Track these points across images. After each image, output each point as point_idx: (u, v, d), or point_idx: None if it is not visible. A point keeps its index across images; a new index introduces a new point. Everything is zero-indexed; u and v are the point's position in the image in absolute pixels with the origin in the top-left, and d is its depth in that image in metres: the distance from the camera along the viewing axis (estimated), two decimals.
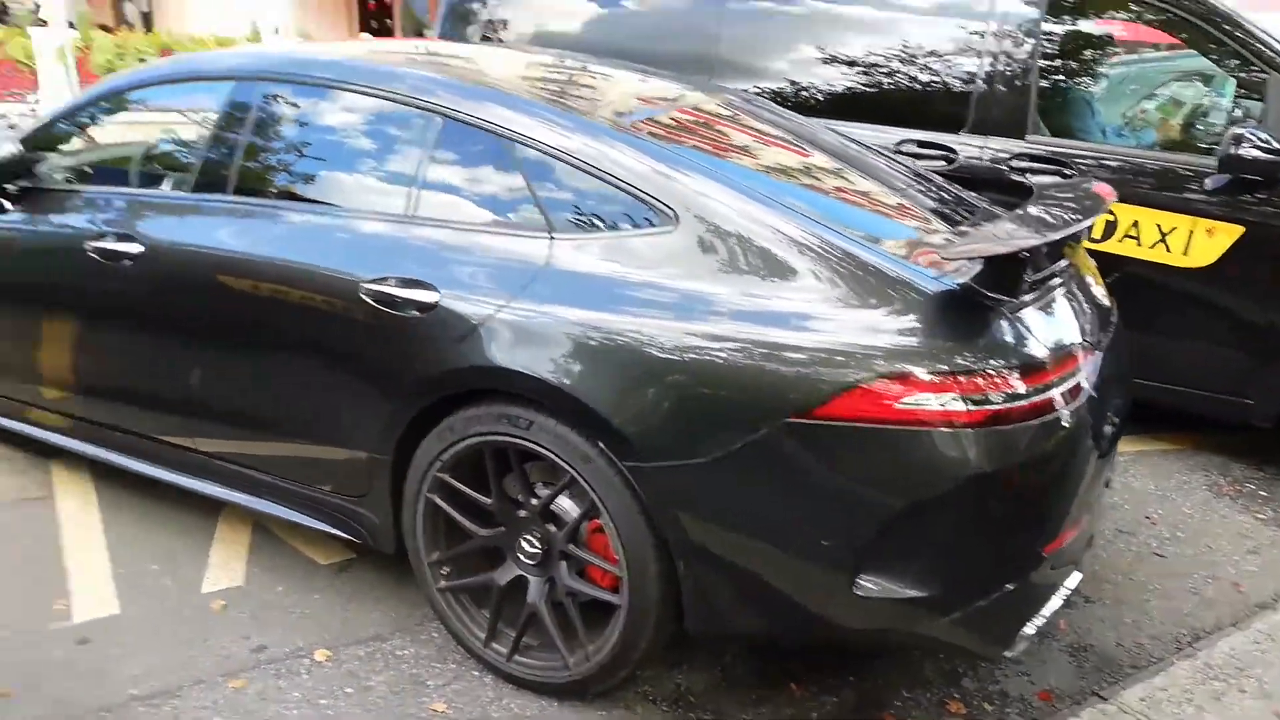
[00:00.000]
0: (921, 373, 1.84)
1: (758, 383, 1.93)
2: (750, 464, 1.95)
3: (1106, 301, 2.53)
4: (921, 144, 3.81)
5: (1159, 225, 3.51)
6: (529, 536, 2.31)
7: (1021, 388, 1.89)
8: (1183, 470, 3.73)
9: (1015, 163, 3.68)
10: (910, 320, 1.92)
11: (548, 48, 4.27)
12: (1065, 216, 2.24)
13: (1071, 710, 2.36)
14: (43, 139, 3.13)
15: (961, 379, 1.85)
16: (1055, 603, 2.13)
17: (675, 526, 2.04)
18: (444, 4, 5.02)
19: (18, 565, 2.88)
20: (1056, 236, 2.05)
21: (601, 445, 2.07)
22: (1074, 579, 2.25)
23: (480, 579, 2.41)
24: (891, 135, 3.77)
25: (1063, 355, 2.01)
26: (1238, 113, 3.77)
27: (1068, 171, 3.60)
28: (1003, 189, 2.89)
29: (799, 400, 1.89)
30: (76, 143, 3.23)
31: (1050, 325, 2.07)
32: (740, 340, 1.95)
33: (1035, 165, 3.64)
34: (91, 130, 3.20)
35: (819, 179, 2.59)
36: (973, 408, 1.84)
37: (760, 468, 1.95)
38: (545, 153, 2.26)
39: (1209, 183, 3.45)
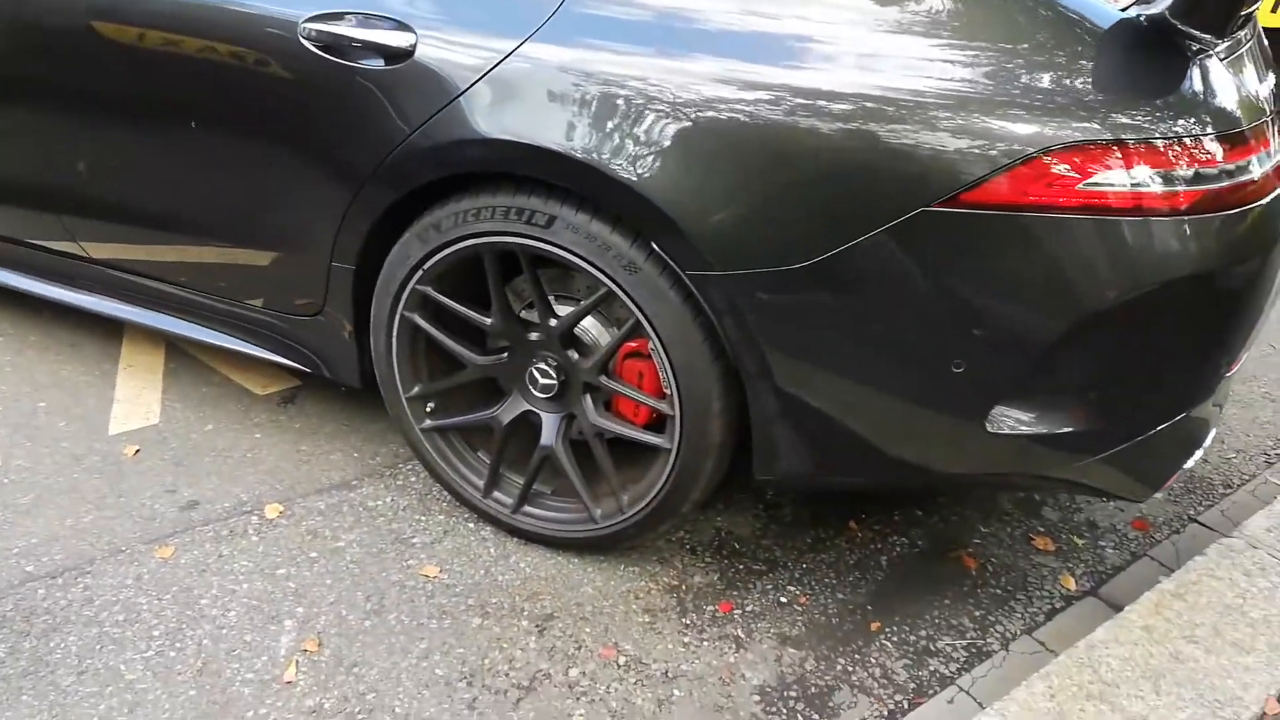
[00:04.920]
0: (1107, 141, 1.33)
1: (882, 162, 1.38)
2: (864, 269, 1.43)
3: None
4: None
5: None
6: (542, 365, 1.79)
7: (1225, 163, 1.40)
8: None
9: None
10: (1087, 68, 1.38)
11: None
12: None
13: (1171, 540, 2.07)
14: None
15: (1160, 148, 1.34)
16: (1214, 430, 1.75)
17: (754, 353, 1.54)
18: None
19: None
20: None
21: (655, 248, 1.53)
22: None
23: (477, 416, 1.90)
24: None
25: (1258, 128, 1.51)
26: None
27: None
28: None
29: (939, 183, 1.37)
30: None
31: (1241, 89, 1.54)
32: (852, 98, 1.38)
33: None
34: None
35: None
36: (1175, 188, 1.35)
37: (878, 274, 1.43)
38: None
39: None
